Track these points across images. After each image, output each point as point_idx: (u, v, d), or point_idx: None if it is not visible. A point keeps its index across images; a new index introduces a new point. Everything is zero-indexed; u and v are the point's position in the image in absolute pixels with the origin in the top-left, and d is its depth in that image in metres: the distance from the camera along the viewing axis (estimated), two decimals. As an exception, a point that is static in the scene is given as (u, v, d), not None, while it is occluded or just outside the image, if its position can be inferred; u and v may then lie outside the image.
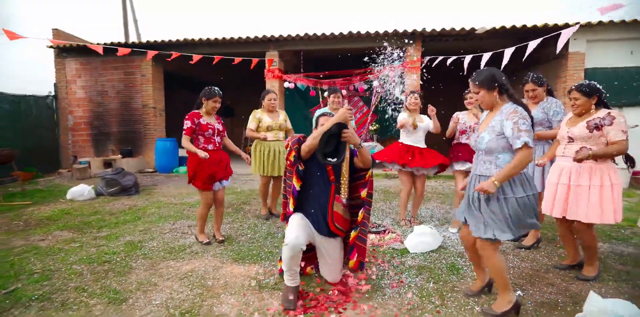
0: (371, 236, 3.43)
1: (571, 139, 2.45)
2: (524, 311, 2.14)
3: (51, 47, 8.67)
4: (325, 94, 4.73)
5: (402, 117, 3.79)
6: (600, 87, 2.40)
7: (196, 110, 3.28)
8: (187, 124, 3.19)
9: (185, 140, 3.21)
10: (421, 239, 3.18)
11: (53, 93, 8.90)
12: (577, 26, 5.19)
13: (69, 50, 8.68)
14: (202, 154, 3.05)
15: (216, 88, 3.26)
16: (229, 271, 2.74)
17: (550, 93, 3.17)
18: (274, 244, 3.32)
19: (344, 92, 8.31)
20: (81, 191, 5.20)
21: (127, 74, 8.70)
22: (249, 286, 2.50)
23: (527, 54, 5.11)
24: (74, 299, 2.34)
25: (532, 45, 5.05)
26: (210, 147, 3.26)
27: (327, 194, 2.35)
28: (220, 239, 3.41)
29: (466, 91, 3.64)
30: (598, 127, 2.33)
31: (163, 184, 6.58)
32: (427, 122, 3.81)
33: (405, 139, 3.83)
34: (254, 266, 2.84)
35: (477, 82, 2.03)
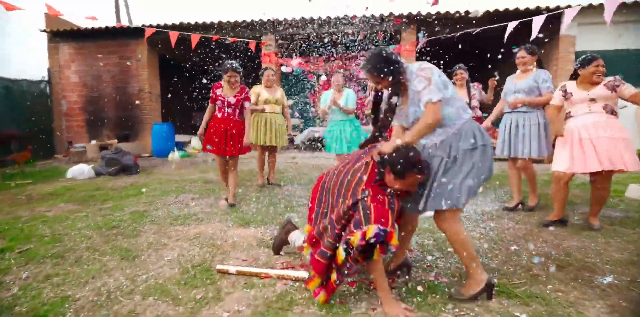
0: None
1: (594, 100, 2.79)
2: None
3: (44, 31, 8.55)
4: (322, 77, 4.80)
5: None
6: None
7: (221, 81, 3.63)
8: (210, 93, 3.65)
9: (207, 109, 3.68)
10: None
11: (47, 78, 8.81)
12: (579, 7, 5.21)
13: (63, 34, 8.57)
14: (200, 130, 3.67)
15: (231, 62, 3.48)
16: (236, 233, 2.83)
17: (540, 65, 3.36)
18: (277, 212, 3.41)
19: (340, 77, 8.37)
20: (81, 169, 5.23)
21: (122, 59, 8.64)
22: (256, 245, 2.60)
23: (534, 32, 5.00)
24: (87, 256, 2.41)
25: (538, 21, 4.95)
26: (219, 115, 3.59)
27: None
28: (232, 202, 3.62)
29: (456, 67, 4.04)
30: (614, 88, 2.72)
31: (162, 166, 6.60)
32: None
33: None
34: (259, 229, 2.94)
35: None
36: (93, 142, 8.24)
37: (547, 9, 6.71)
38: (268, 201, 3.82)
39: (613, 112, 2.75)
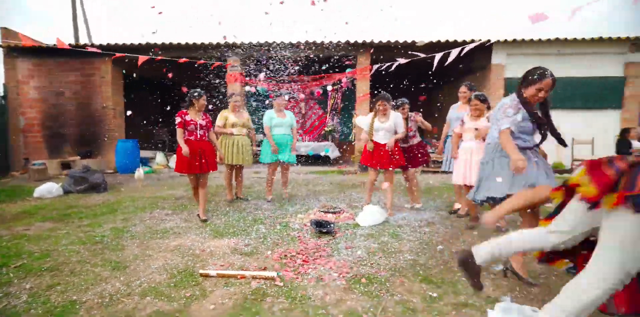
0: (329, 215, 4.12)
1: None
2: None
3: (0, 46, 8.45)
4: (285, 97, 5.35)
5: (362, 121, 4.33)
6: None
7: (184, 110, 4.04)
8: (177, 119, 3.97)
9: (178, 133, 3.97)
10: (369, 215, 3.92)
11: (2, 94, 8.65)
12: (479, 42, 6.19)
13: (20, 50, 8.51)
14: (184, 149, 3.87)
15: (199, 90, 4.07)
16: (212, 244, 3.26)
17: None
18: (247, 224, 3.88)
19: (302, 96, 9.01)
20: (49, 188, 5.35)
21: (85, 76, 8.71)
22: (230, 253, 3.05)
23: (450, 59, 5.80)
24: (80, 268, 2.74)
25: (454, 53, 5.87)
26: (192, 138, 4.01)
27: None
28: (203, 218, 4.02)
29: (401, 101, 4.55)
30: None
31: (128, 183, 6.78)
32: (390, 123, 4.16)
33: (375, 137, 4.22)
34: (232, 239, 3.39)
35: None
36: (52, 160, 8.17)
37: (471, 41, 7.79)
38: (238, 215, 4.27)
39: None
